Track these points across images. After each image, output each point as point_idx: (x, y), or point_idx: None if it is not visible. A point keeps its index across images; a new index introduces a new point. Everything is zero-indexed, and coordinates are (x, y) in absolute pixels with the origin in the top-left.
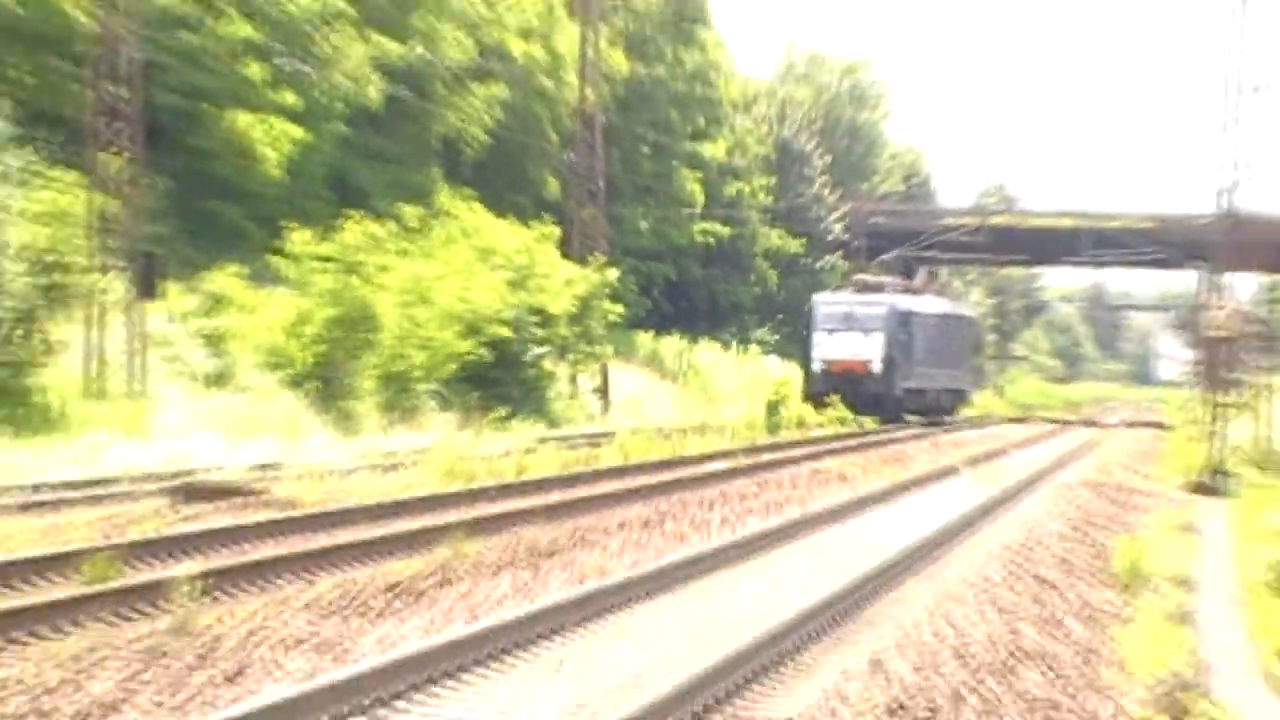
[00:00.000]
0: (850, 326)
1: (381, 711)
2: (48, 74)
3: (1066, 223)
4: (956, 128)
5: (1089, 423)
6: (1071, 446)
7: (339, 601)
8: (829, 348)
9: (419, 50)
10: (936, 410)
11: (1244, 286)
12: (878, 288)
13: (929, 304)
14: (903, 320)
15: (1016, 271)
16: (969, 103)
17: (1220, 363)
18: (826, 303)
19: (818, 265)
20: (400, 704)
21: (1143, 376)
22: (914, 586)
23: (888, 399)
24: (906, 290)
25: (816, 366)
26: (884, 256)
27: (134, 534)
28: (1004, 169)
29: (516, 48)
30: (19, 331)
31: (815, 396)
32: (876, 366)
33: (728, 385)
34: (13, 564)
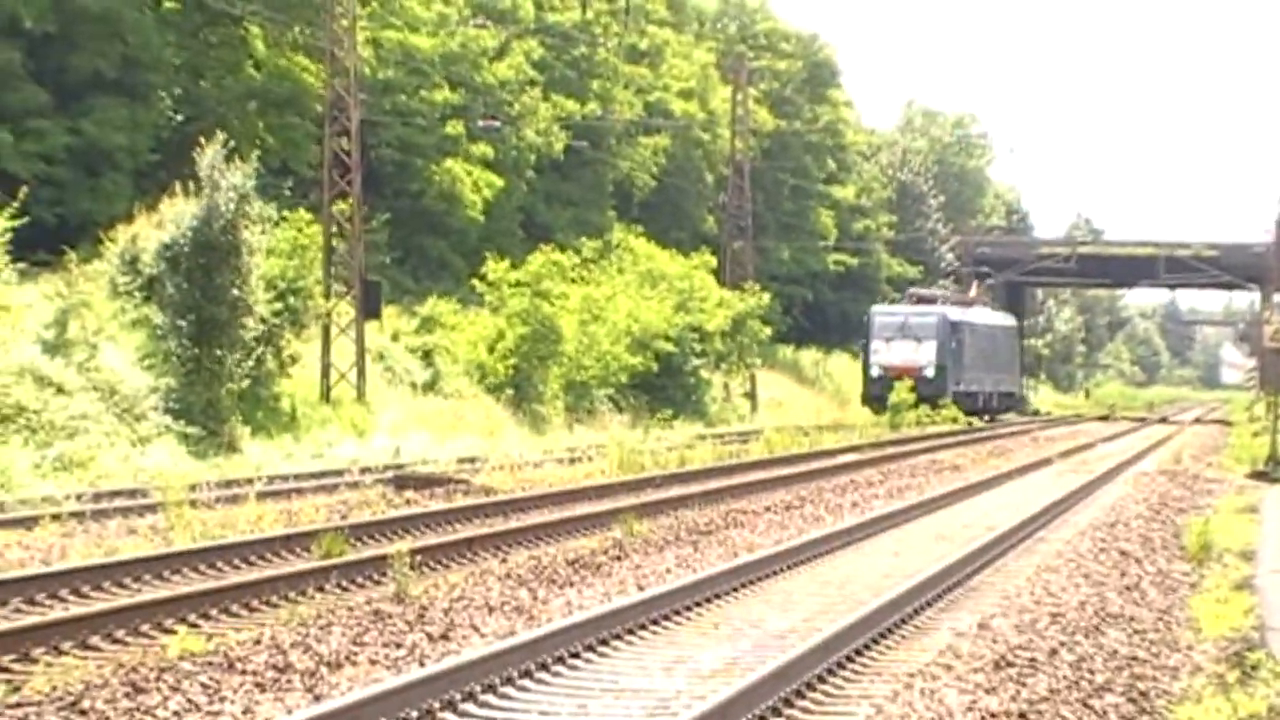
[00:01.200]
0: (905, 335)
1: (576, 661)
2: (287, 132)
3: (1144, 251)
4: (1051, 167)
5: (1163, 420)
6: (1149, 441)
7: (529, 573)
8: (885, 355)
9: (596, 109)
10: (985, 411)
11: None
12: (930, 300)
13: (977, 314)
14: (953, 329)
15: (1101, 292)
16: (1062, 145)
17: (1277, 368)
18: (883, 313)
19: (983, 298)
20: (581, 660)
21: (1210, 381)
22: (1015, 560)
23: (939, 402)
24: (957, 302)
25: (874, 372)
26: (989, 281)
27: (358, 517)
28: (1091, 202)
29: (678, 106)
30: (264, 349)
31: (873, 400)
32: (930, 371)
33: (857, 390)
34: (260, 541)
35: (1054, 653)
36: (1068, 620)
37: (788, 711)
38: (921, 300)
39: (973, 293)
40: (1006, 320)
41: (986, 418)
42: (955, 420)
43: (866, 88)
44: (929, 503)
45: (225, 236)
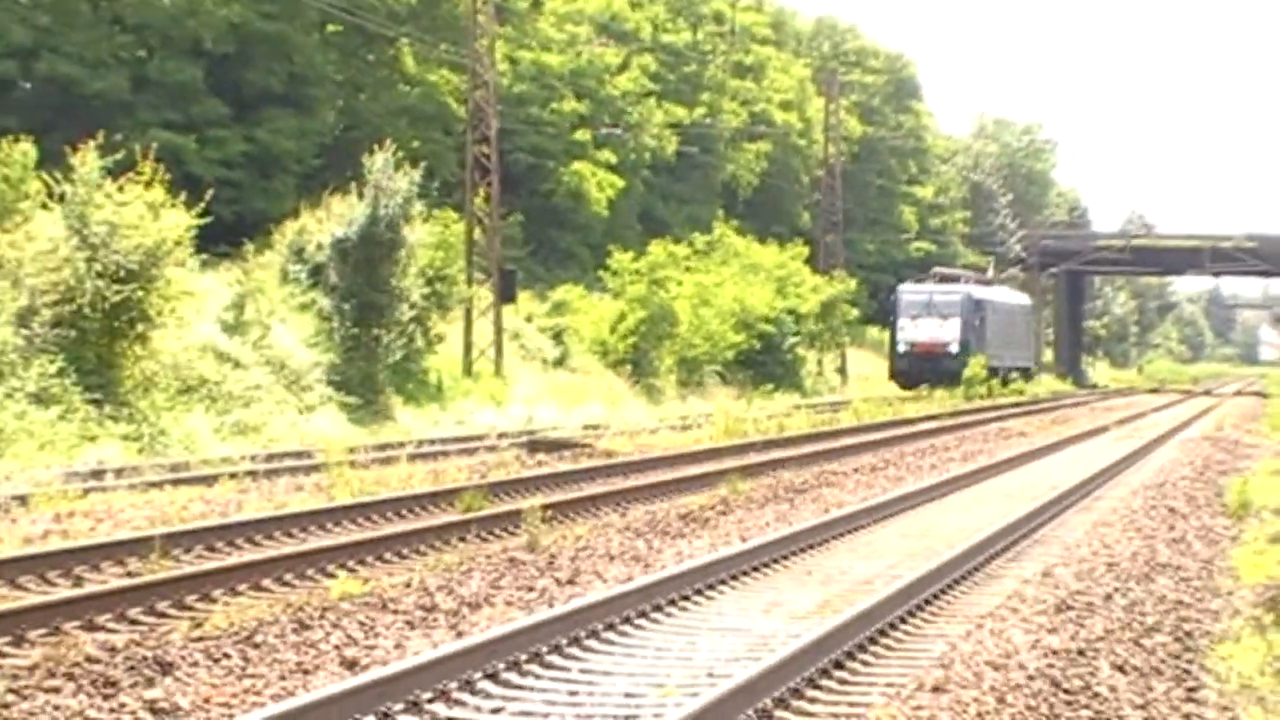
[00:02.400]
0: (930, 313)
1: (685, 603)
2: (433, 139)
3: (1191, 243)
4: (1108, 167)
5: (1207, 393)
6: (1194, 411)
7: (645, 526)
8: (912, 331)
9: (704, 117)
10: (1005, 384)
11: None
12: (954, 279)
13: (999, 293)
14: (976, 307)
15: (1152, 279)
16: (1119, 146)
17: None
18: (909, 291)
19: (1002, 277)
20: (690, 602)
21: (1249, 358)
22: (1074, 515)
23: (964, 376)
24: (979, 281)
25: (901, 348)
26: (1051, 270)
27: (495, 476)
28: (1144, 197)
29: (778, 116)
30: (414, 329)
31: (899, 375)
32: (954, 348)
33: None
34: (410, 497)
35: (1109, 597)
36: (1121, 569)
37: (872, 648)
38: (945, 279)
39: (990, 273)
40: (1023, 299)
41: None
42: (1021, 392)
43: (944, 97)
44: (998, 465)
45: (389, 233)
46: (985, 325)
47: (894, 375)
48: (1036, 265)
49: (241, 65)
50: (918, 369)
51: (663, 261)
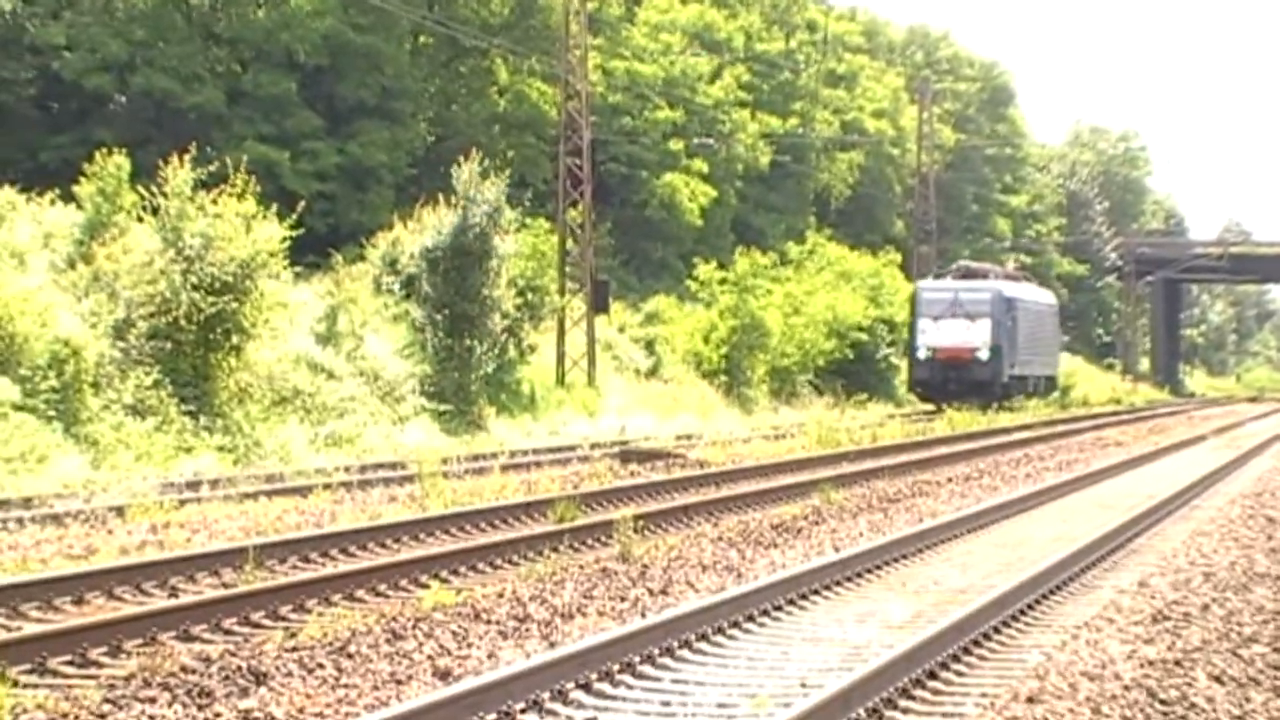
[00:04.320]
0: (955, 313)
1: (778, 613)
2: (526, 150)
3: None
4: (1206, 175)
5: None
6: None
7: (738, 536)
8: (934, 335)
9: (797, 126)
10: (1025, 396)
11: None
12: (982, 274)
13: (1029, 291)
14: (1008, 306)
15: (1250, 287)
16: (1216, 153)
17: None
18: (930, 289)
19: (1098, 285)
20: (784, 612)
21: None
22: (1171, 525)
23: (994, 387)
24: (1008, 277)
25: (921, 354)
26: (1148, 278)
27: (588, 487)
28: (1242, 204)
29: (871, 125)
30: (507, 339)
31: (918, 386)
32: (984, 354)
33: None
34: (503, 508)
35: (1206, 608)
36: (1219, 579)
37: (966, 659)
38: (970, 275)
39: (1010, 266)
40: (1051, 298)
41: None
42: (1118, 401)
43: (1039, 105)
44: (1094, 474)
45: (479, 243)
46: (1018, 328)
47: (913, 386)
48: (1133, 273)
49: (335, 78)
50: (941, 379)
51: (749, 272)
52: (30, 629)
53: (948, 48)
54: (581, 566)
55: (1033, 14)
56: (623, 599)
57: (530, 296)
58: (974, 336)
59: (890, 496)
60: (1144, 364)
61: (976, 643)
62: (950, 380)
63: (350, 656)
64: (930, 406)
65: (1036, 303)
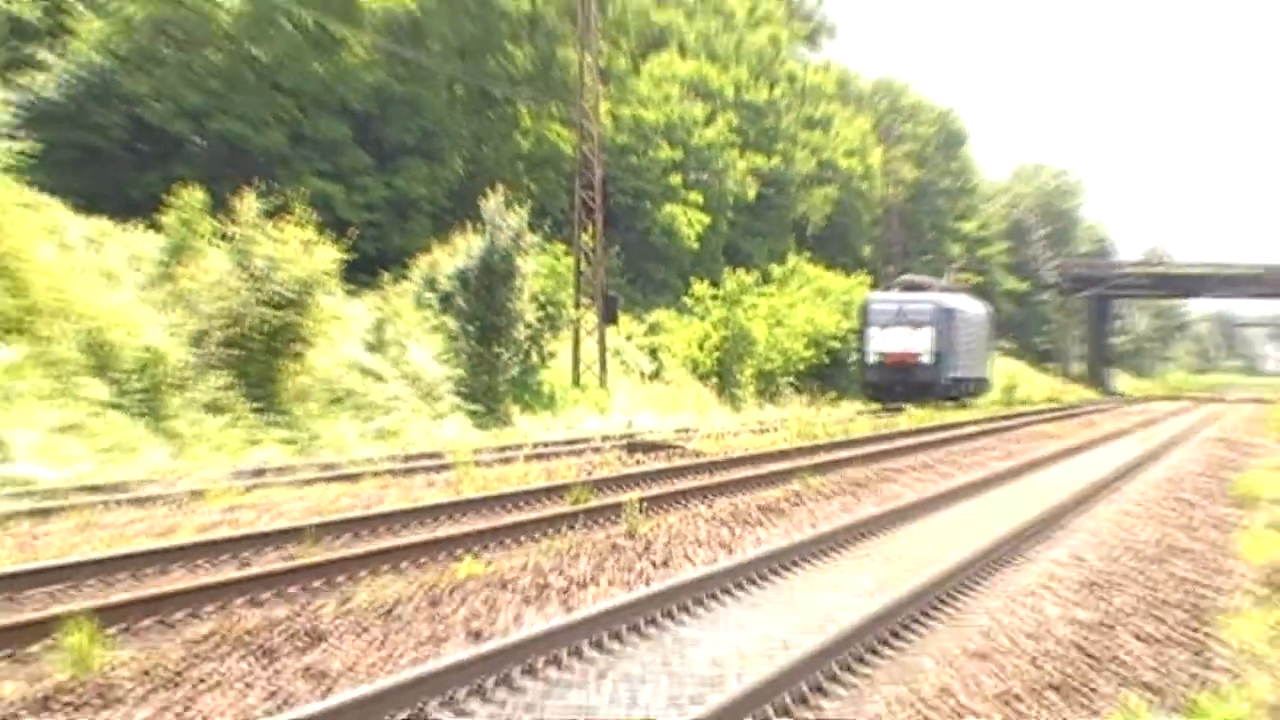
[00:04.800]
0: (901, 322)
1: (762, 581)
2: (546, 184)
3: (1201, 270)
4: (1131, 203)
5: (1217, 399)
6: (1205, 416)
7: (729, 516)
8: (882, 341)
9: (780, 164)
10: (967, 396)
11: None
12: (924, 287)
13: (966, 302)
14: (948, 316)
15: (1169, 301)
16: (1139, 182)
17: None
18: (879, 300)
19: (1037, 300)
20: (768, 582)
21: (1252, 370)
22: (1101, 506)
23: (935, 387)
24: (947, 290)
25: (871, 359)
26: (1081, 294)
27: (599, 474)
28: (1163, 228)
29: (843, 162)
30: (530, 346)
31: (869, 388)
32: (927, 359)
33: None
34: (526, 492)
35: (1130, 576)
36: (1141, 552)
37: (926, 621)
38: (914, 287)
39: (948, 279)
40: (984, 308)
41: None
42: (1053, 400)
43: (987, 144)
44: (1034, 463)
45: (505, 264)
46: (956, 335)
47: (864, 387)
48: (1068, 290)
49: (382, 123)
50: (889, 381)
51: (736, 289)
52: (120, 596)
53: (909, 97)
54: (594, 542)
55: (983, 66)
56: (629, 570)
57: (549, 310)
58: (918, 343)
59: (859, 482)
60: (1077, 368)
61: (934, 607)
62: (897, 382)
63: (395, 619)
64: (895, 404)
65: (972, 313)
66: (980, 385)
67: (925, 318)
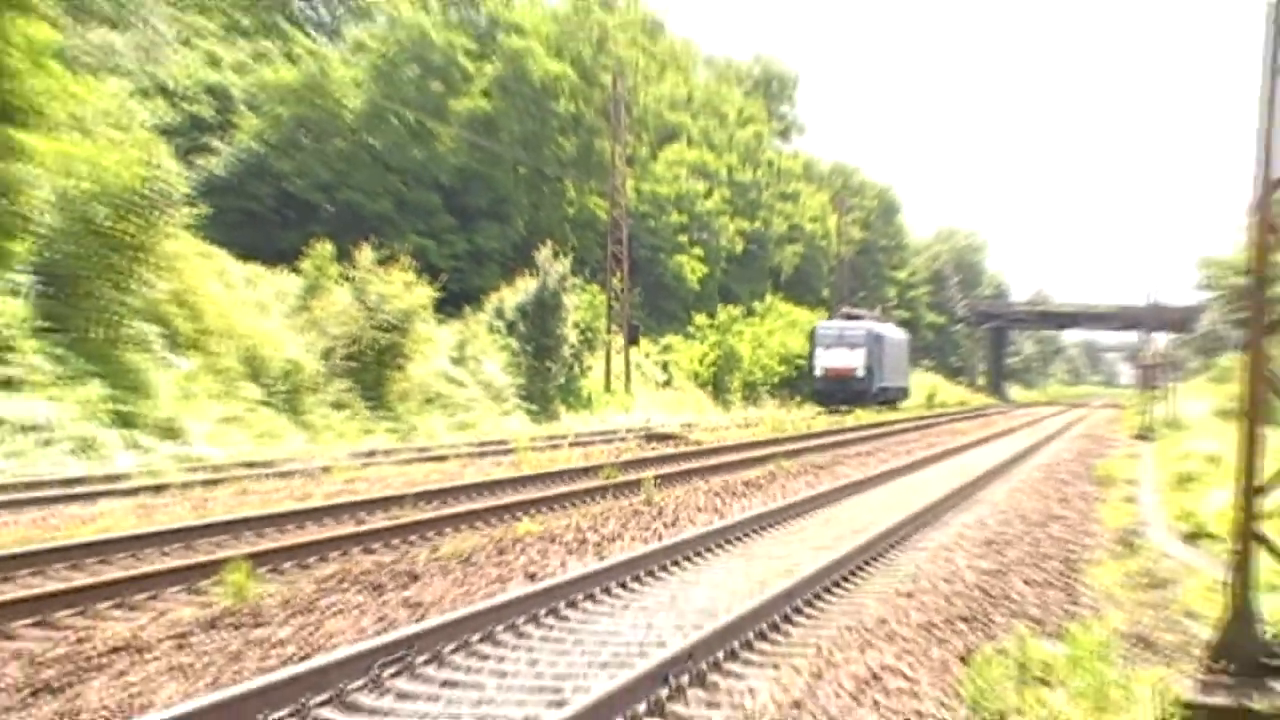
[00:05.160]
0: (841, 344)
1: (746, 538)
2: (585, 241)
3: (1073, 309)
4: (1023, 254)
5: (1083, 405)
6: (1075, 417)
7: (721, 489)
8: (826, 359)
9: (760, 227)
10: (891, 402)
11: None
12: (858, 317)
13: (890, 329)
14: (876, 339)
15: (1049, 331)
16: (1028, 238)
17: (1149, 376)
18: (824, 327)
19: (951, 330)
20: (750, 538)
21: (1110, 383)
22: (997, 484)
23: (867, 395)
24: (875, 319)
25: (818, 372)
26: (981, 325)
27: (624, 457)
28: (1046, 277)
29: (808, 226)
30: (573, 361)
31: (817, 395)
32: (860, 372)
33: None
34: (570, 470)
35: (1020, 537)
36: (1028, 518)
37: (867, 568)
38: (851, 317)
39: (878, 312)
40: (904, 334)
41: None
42: (965, 404)
43: (916, 211)
44: (949, 451)
45: (553, 300)
46: (883, 354)
47: (812, 395)
48: (974, 322)
49: (464, 193)
50: (831, 389)
51: (727, 320)
52: (268, 544)
53: (857, 177)
54: (620, 508)
55: (914, 149)
56: (647, 529)
57: (587, 334)
58: (853, 360)
59: (819, 465)
60: (981, 380)
61: (873, 558)
62: (838, 390)
63: (471, 564)
64: (837, 407)
65: (896, 337)
66: (902, 393)
67: (859, 340)
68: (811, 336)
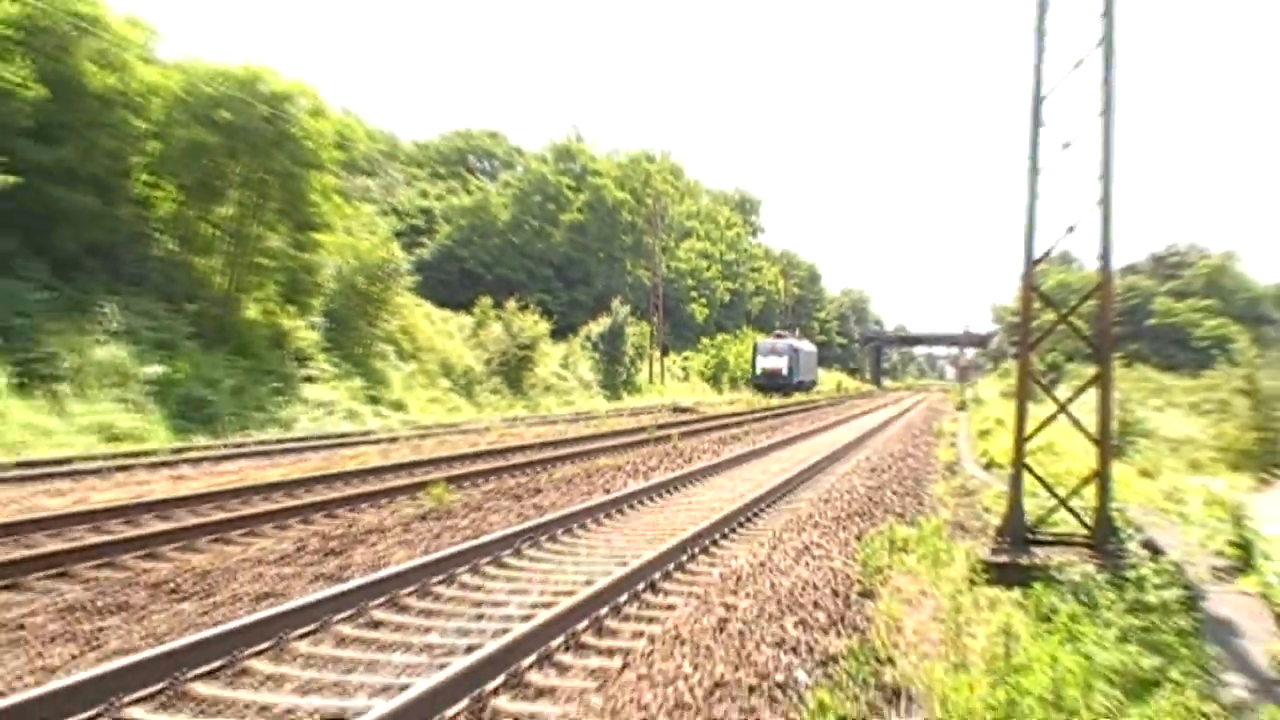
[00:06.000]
0: (773, 352)
1: (733, 467)
2: (638, 296)
3: (919, 335)
4: (896, 300)
5: (926, 390)
6: (921, 398)
7: (718, 440)
8: (763, 363)
9: (741, 287)
10: (805, 389)
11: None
12: (784, 336)
13: (804, 344)
14: (795, 350)
15: (908, 349)
16: (900, 288)
17: (964, 373)
18: (762, 342)
19: (851, 347)
20: (735, 468)
21: (943, 377)
22: (879, 435)
23: (790, 386)
24: (795, 336)
25: (758, 372)
26: (867, 344)
27: (660, 420)
28: (907, 312)
29: (769, 286)
30: (631, 365)
31: (756, 388)
32: (785, 372)
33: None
34: (626, 430)
35: (889, 466)
36: (895, 455)
37: (798, 486)
38: (780, 336)
39: (796, 333)
40: (813, 346)
41: (803, 394)
42: (858, 389)
43: (831, 276)
44: (850, 416)
45: (619, 330)
46: (799, 360)
47: (754, 387)
48: (864, 343)
49: (567, 268)
50: (766, 383)
51: (721, 342)
52: (455, 471)
53: (798, 258)
54: (657, 452)
55: (832, 241)
56: (674, 464)
57: (639, 350)
58: (781, 364)
59: (774, 426)
60: (868, 375)
61: (802, 479)
62: (771, 383)
63: (571, 484)
64: (772, 393)
65: (809, 349)
66: (813, 384)
67: (784, 350)
68: (754, 349)
